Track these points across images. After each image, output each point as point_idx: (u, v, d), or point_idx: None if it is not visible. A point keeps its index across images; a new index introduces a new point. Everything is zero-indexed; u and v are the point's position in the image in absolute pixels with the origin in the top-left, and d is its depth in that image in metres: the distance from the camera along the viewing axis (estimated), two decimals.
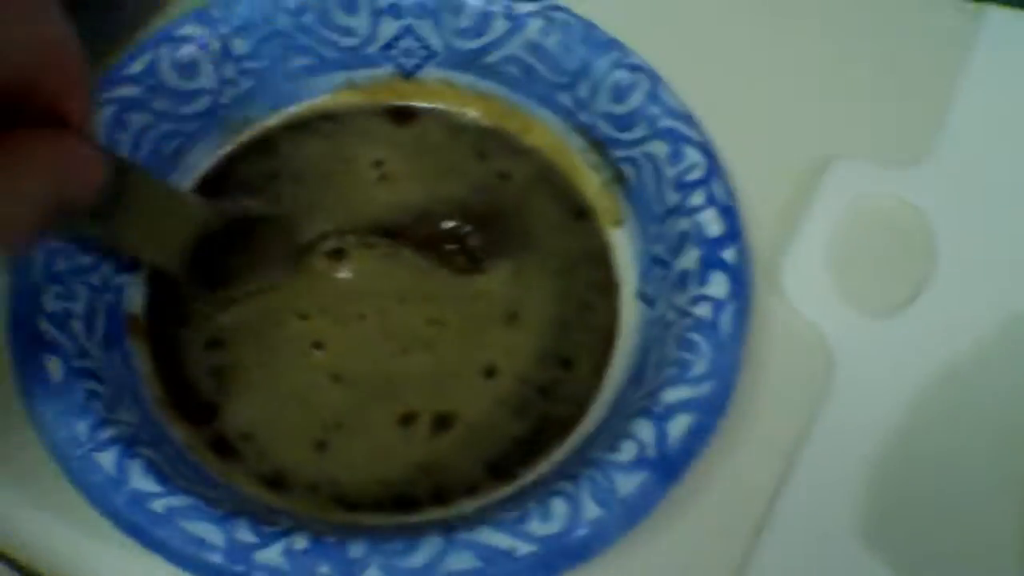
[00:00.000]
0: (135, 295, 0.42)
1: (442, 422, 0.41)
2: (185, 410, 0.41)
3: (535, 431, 0.40)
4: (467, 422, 0.41)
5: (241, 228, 0.42)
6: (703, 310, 0.38)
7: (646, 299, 0.41)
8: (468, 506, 0.39)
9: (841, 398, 0.42)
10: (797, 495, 0.40)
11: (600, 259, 0.43)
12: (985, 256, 0.45)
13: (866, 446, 0.41)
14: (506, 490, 0.39)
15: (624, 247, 0.43)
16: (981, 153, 0.47)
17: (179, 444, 0.40)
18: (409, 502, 0.40)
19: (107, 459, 0.36)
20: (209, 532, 0.35)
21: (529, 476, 0.39)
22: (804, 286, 0.43)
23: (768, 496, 0.40)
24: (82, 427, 0.37)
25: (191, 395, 0.41)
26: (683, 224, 0.40)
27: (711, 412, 0.37)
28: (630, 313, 0.42)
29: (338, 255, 0.44)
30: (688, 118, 0.42)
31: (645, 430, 0.36)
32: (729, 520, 0.40)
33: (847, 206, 0.45)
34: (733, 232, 0.40)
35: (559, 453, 0.40)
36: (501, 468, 0.40)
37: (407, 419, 0.41)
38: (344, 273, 0.43)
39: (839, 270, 0.44)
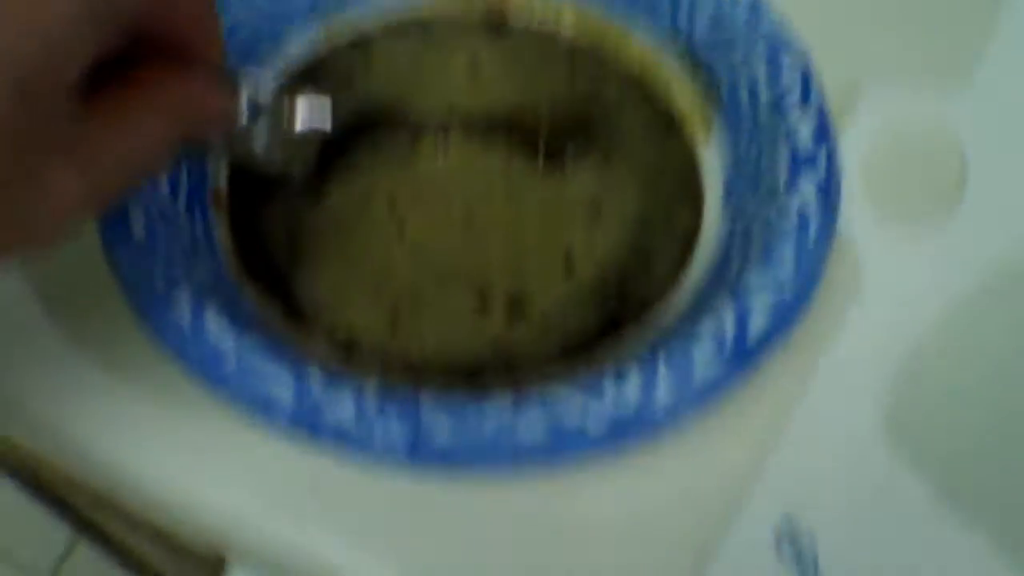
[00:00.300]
0: (220, 168, 0.43)
1: (518, 305, 0.41)
2: (259, 275, 0.41)
3: (611, 321, 0.40)
4: (542, 307, 0.41)
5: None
6: (791, 219, 0.38)
7: (731, 209, 0.41)
8: (537, 387, 0.39)
9: (868, 305, 0.42)
10: (822, 394, 0.40)
11: (687, 168, 0.43)
12: (1018, 184, 0.45)
13: (892, 349, 0.41)
14: (578, 376, 0.39)
15: (712, 159, 0.43)
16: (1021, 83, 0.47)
17: (251, 308, 0.40)
18: (477, 379, 0.39)
19: (182, 297, 0.36)
20: (279, 373, 0.35)
21: (603, 363, 0.39)
22: None
23: (794, 396, 0.40)
24: (159, 269, 0.37)
25: (266, 262, 0.41)
26: (775, 137, 0.40)
27: (789, 314, 0.37)
28: (713, 221, 0.42)
29: (432, 146, 0.44)
30: (787, 37, 0.42)
31: (726, 321, 0.36)
32: (754, 423, 0.40)
33: (881, 129, 0.45)
34: (826, 146, 0.40)
35: (633, 345, 0.39)
36: (574, 354, 0.40)
37: (483, 300, 0.41)
38: (437, 163, 0.43)
39: (871, 187, 0.44)
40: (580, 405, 0.35)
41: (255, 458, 0.39)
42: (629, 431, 0.35)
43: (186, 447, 0.40)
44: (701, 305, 0.39)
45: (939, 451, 0.40)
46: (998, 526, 0.39)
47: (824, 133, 0.40)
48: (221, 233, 0.42)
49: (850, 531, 0.39)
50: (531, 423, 0.35)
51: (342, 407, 0.35)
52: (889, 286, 0.43)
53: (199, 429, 0.39)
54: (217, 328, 0.36)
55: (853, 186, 0.43)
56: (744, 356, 0.36)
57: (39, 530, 1.11)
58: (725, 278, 0.39)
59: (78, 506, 0.82)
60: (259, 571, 0.43)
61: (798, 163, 0.39)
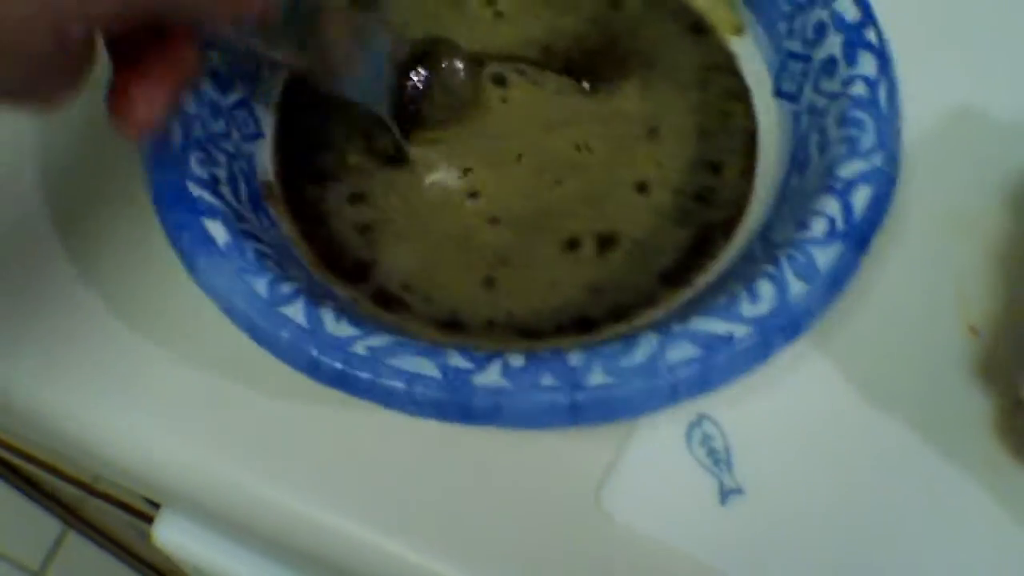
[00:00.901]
0: (265, 162, 0.41)
1: (606, 242, 0.41)
2: (340, 269, 0.40)
3: (699, 237, 0.40)
4: (631, 238, 0.41)
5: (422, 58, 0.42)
6: (859, 88, 0.39)
7: (786, 95, 0.41)
8: (648, 319, 0.39)
9: None
10: None
11: (727, 67, 0.43)
12: None
13: None
14: (684, 297, 0.39)
15: (750, 52, 0.43)
16: None
17: (347, 300, 0.39)
18: (590, 323, 0.39)
19: (295, 311, 0.35)
20: (421, 365, 0.34)
21: (703, 279, 0.39)
22: None
23: None
24: (261, 285, 0.36)
25: (343, 254, 0.40)
26: (819, 15, 0.40)
27: (887, 181, 0.37)
28: (770, 112, 0.42)
29: (496, 82, 0.43)
30: None
31: (831, 205, 0.36)
32: None
33: None
34: (870, 15, 0.40)
35: (728, 253, 0.40)
36: (674, 276, 0.40)
37: (571, 244, 0.40)
38: (490, 113, 0.42)
39: None
40: (724, 327, 0.35)
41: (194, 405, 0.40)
42: (775, 333, 0.35)
43: (125, 398, 0.40)
44: (791, 198, 0.39)
45: (863, 352, 0.41)
46: (917, 411, 0.40)
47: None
48: (287, 227, 0.40)
49: (765, 426, 0.40)
50: (681, 349, 0.35)
51: (489, 379, 0.34)
52: None
53: (136, 379, 0.40)
54: (338, 330, 0.35)
55: None
56: (859, 235, 0.36)
57: (28, 525, 1.08)
58: (808, 163, 0.39)
59: (65, 498, 0.80)
60: (191, 514, 0.43)
61: (850, 30, 0.39)
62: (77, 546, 1.09)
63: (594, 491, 0.39)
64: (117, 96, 0.32)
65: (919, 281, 0.42)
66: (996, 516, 0.38)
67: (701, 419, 0.39)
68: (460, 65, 0.42)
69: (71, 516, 0.90)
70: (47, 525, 1.06)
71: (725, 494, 0.39)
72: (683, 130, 0.42)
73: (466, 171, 0.42)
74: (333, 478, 0.39)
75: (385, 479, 0.39)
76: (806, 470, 0.39)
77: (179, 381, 0.40)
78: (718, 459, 0.39)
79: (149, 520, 0.47)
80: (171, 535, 0.45)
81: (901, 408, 0.40)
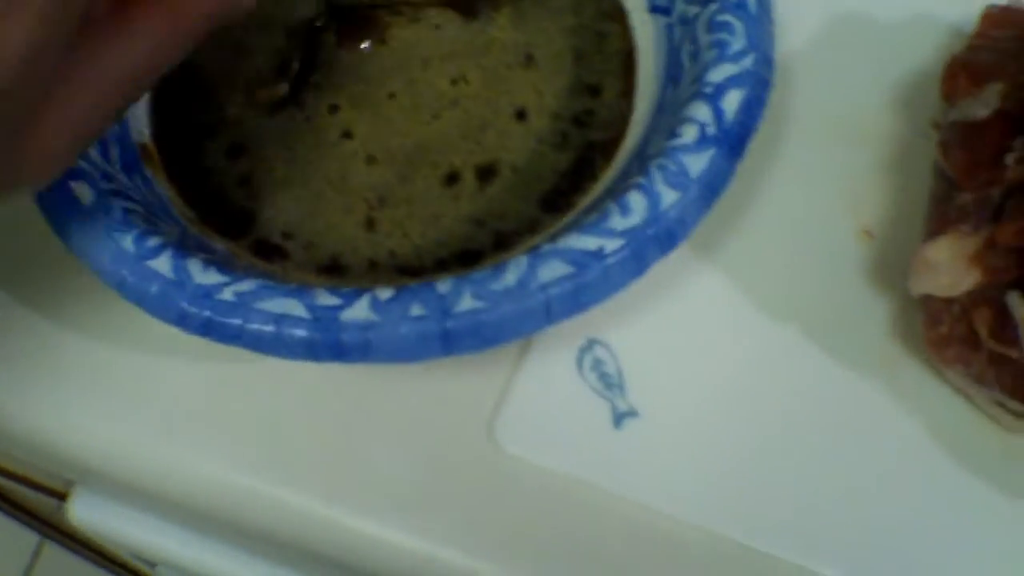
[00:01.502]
0: (140, 125, 0.41)
1: (486, 172, 0.40)
2: (220, 224, 0.39)
3: (580, 160, 0.40)
4: (511, 166, 0.40)
5: None
6: None
7: (660, 9, 0.41)
8: (530, 246, 0.38)
9: None
10: None
11: None
12: None
13: None
14: (566, 220, 0.38)
15: None
16: None
17: (224, 253, 0.38)
18: (473, 255, 0.38)
19: (163, 264, 0.35)
20: (288, 306, 0.34)
21: (585, 201, 0.39)
22: None
23: None
24: (127, 241, 0.35)
25: (223, 208, 0.40)
26: None
27: (759, 84, 0.37)
28: (646, 29, 0.41)
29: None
30: None
31: (702, 110, 0.36)
32: None
33: None
34: None
35: (609, 173, 0.39)
36: (556, 201, 0.39)
37: (451, 178, 0.40)
38: (359, 51, 0.42)
39: None
40: (594, 243, 0.34)
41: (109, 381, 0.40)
42: (648, 244, 0.34)
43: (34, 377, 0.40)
44: (668, 108, 0.38)
45: (755, 262, 0.41)
46: (801, 317, 0.40)
47: None
48: (164, 187, 0.40)
49: (657, 346, 0.39)
50: (551, 268, 0.34)
51: (357, 314, 0.34)
52: None
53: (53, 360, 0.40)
54: (205, 279, 0.34)
55: None
56: (731, 139, 0.35)
57: (4, 539, 1.09)
58: (682, 73, 0.38)
59: (39, 509, 0.80)
60: (103, 492, 0.43)
61: None
62: (55, 556, 1.09)
63: (486, 424, 0.38)
64: None
65: (810, 187, 0.41)
66: (895, 414, 0.38)
67: (592, 343, 0.39)
68: None
69: (47, 527, 0.89)
70: (23, 538, 1.06)
71: (619, 417, 0.38)
72: (559, 55, 0.42)
73: (334, 109, 0.41)
74: (227, 433, 0.39)
75: (277, 429, 0.39)
76: (701, 387, 0.39)
77: (74, 354, 0.40)
78: (610, 383, 0.38)
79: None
80: (85, 512, 0.44)
81: (796, 316, 0.39)
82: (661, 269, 0.36)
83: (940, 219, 0.37)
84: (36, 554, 1.13)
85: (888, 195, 0.41)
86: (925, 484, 0.37)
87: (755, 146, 0.37)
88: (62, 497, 0.44)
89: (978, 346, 0.35)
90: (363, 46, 0.42)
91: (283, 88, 0.41)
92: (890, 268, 0.40)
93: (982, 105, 0.37)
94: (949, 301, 0.36)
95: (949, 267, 0.36)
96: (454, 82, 0.41)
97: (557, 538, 0.37)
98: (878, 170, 0.42)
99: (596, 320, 0.38)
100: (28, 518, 0.88)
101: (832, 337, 0.39)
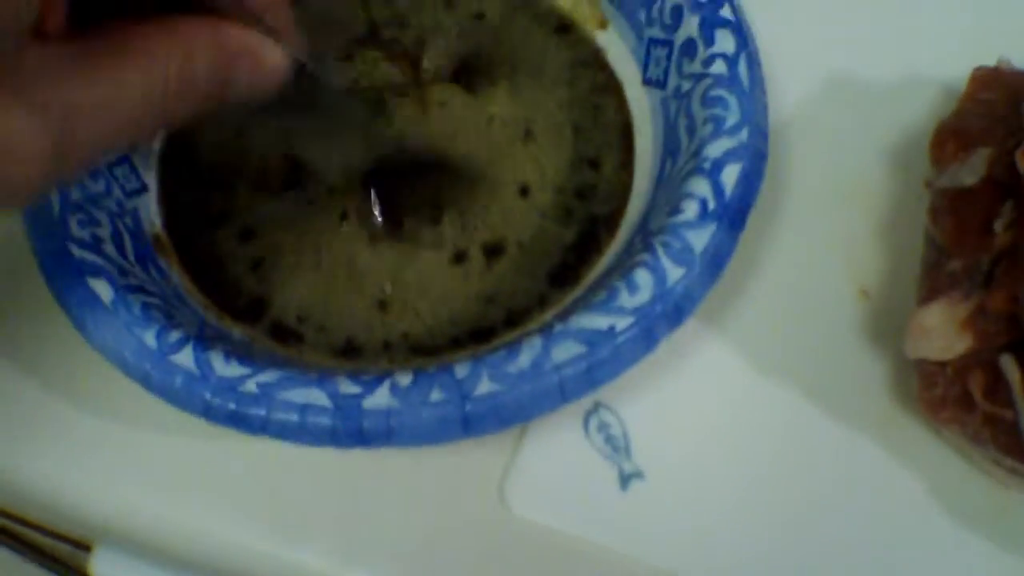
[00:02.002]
0: (151, 216, 0.41)
1: (493, 250, 0.41)
2: (235, 311, 0.40)
3: (585, 234, 0.41)
4: (517, 243, 0.41)
5: None
6: (718, 67, 0.39)
7: (654, 82, 0.42)
8: (540, 321, 0.39)
9: None
10: None
11: (595, 62, 0.44)
12: None
13: None
14: (574, 295, 0.39)
15: (616, 45, 0.44)
16: None
17: (242, 340, 0.39)
18: (485, 333, 0.39)
19: (185, 358, 0.36)
20: (311, 395, 0.35)
21: (592, 275, 0.40)
22: None
23: None
24: (149, 336, 0.36)
25: (237, 295, 0.41)
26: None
27: (756, 157, 0.38)
28: (641, 102, 0.42)
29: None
30: None
31: (701, 186, 0.37)
32: None
33: None
34: None
35: (613, 248, 0.40)
36: (563, 276, 0.40)
37: (459, 257, 0.41)
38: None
39: None
40: (605, 322, 0.35)
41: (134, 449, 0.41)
42: (657, 321, 0.35)
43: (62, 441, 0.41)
44: (668, 184, 0.39)
45: (756, 327, 0.42)
46: (801, 379, 0.41)
47: None
48: (178, 276, 0.41)
49: (662, 410, 0.40)
50: (565, 348, 0.35)
51: (378, 401, 0.35)
52: None
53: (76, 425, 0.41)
54: (228, 371, 0.35)
55: None
56: (732, 213, 0.37)
57: None
58: (679, 147, 0.39)
59: (63, 556, 0.80)
60: (126, 550, 0.43)
61: (704, 9, 0.40)
62: None
63: (497, 487, 0.39)
64: None
65: (807, 250, 0.42)
66: (894, 472, 0.39)
67: (597, 407, 0.40)
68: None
69: (65, 569, 0.89)
70: None
71: (625, 479, 0.39)
72: (558, 129, 0.43)
73: (332, 192, 0.42)
74: (239, 498, 0.40)
75: (290, 493, 0.40)
76: (705, 449, 0.39)
77: (84, 425, 0.41)
78: (616, 445, 0.39)
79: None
80: (107, 570, 0.45)
81: (796, 378, 0.40)
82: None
83: (932, 284, 0.38)
84: None
85: (884, 255, 0.42)
86: (924, 540, 0.38)
87: (754, 213, 0.38)
88: (86, 548, 0.44)
89: (972, 407, 0.36)
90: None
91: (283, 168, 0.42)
92: (887, 328, 0.41)
93: (969, 172, 0.38)
94: (943, 364, 0.37)
95: (942, 332, 0.36)
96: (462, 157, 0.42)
97: None
98: (875, 231, 0.43)
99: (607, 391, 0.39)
100: (53, 564, 0.88)
101: (832, 398, 0.40)
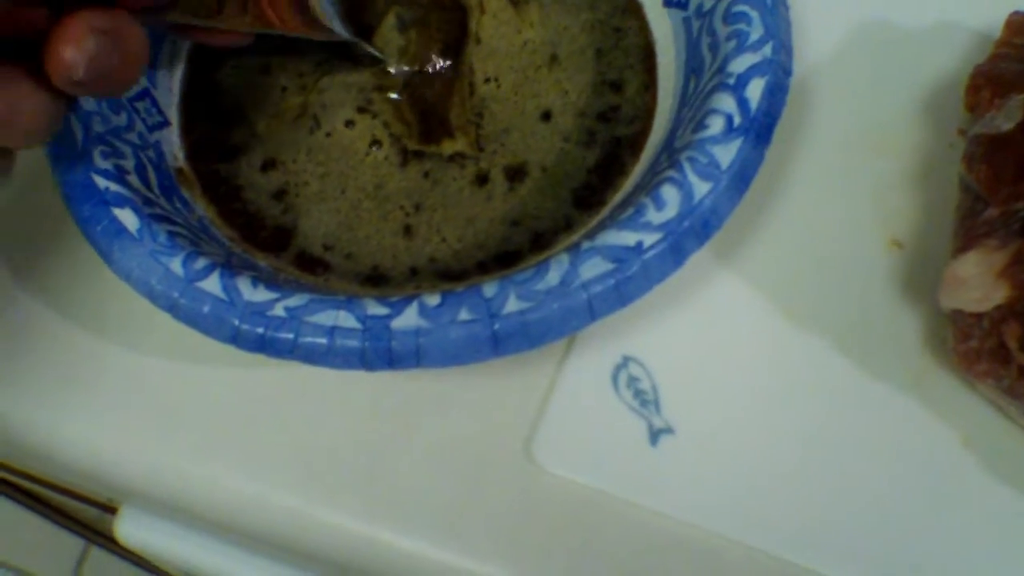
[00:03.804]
0: (173, 150, 0.41)
1: (516, 173, 0.41)
2: (261, 241, 0.40)
3: (608, 156, 0.41)
4: (540, 166, 0.41)
5: None
6: None
7: (675, 3, 0.41)
8: (567, 244, 0.39)
9: None
10: None
11: None
12: None
13: None
14: (600, 216, 0.39)
15: None
16: None
17: (268, 269, 0.39)
18: (512, 256, 0.39)
19: (212, 284, 0.36)
20: (339, 317, 0.35)
21: (616, 197, 0.39)
22: None
23: None
24: (176, 264, 0.36)
25: (262, 224, 0.41)
26: None
27: (780, 71, 0.37)
28: (663, 23, 0.42)
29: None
30: None
31: (726, 101, 0.36)
32: None
33: None
34: None
35: (638, 168, 0.40)
36: (588, 198, 0.40)
37: (481, 180, 0.41)
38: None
39: None
40: (632, 238, 0.35)
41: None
42: (685, 236, 0.35)
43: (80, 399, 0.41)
44: (692, 101, 0.39)
45: (785, 276, 0.41)
46: (832, 329, 0.40)
47: None
48: (203, 208, 0.41)
49: (691, 363, 0.40)
50: (592, 266, 0.35)
51: (407, 321, 0.35)
52: None
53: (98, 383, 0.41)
54: (256, 296, 0.35)
55: None
56: (758, 127, 0.36)
57: (50, 543, 1.10)
58: (703, 66, 0.39)
59: (84, 517, 0.81)
60: (149, 511, 0.44)
61: None
62: (101, 559, 1.10)
63: (524, 443, 0.39)
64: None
65: (839, 197, 0.42)
66: (927, 425, 0.39)
67: (627, 361, 0.40)
68: None
69: (92, 533, 0.90)
70: (69, 543, 1.07)
71: (655, 434, 0.39)
72: (581, 52, 0.43)
73: (366, 115, 0.42)
74: (265, 453, 0.40)
75: (316, 450, 0.40)
76: (734, 402, 0.39)
77: (124, 373, 0.41)
78: (646, 400, 0.39)
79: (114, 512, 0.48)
80: (132, 530, 0.45)
81: (826, 327, 0.40)
82: (694, 284, 0.37)
83: (967, 233, 0.37)
84: (81, 560, 1.14)
85: (917, 205, 0.42)
86: (959, 495, 0.38)
87: (783, 156, 0.38)
88: (112, 511, 0.45)
89: (1009, 360, 0.36)
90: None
91: (300, 100, 0.42)
92: (920, 279, 0.40)
93: (1005, 118, 0.38)
94: (979, 315, 0.36)
95: (978, 282, 0.36)
96: (486, 82, 0.42)
97: (595, 555, 0.38)
98: (906, 180, 0.42)
99: (631, 337, 0.39)
100: (76, 526, 0.89)
101: (863, 348, 0.40)
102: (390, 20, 0.43)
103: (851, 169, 0.43)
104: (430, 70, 0.43)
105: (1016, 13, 0.41)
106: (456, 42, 0.43)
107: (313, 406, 0.40)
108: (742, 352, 0.40)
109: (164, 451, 0.40)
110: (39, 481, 0.68)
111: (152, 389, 0.41)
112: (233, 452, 0.40)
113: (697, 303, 0.40)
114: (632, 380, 0.40)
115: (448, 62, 0.43)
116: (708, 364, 0.40)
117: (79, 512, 0.86)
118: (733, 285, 0.41)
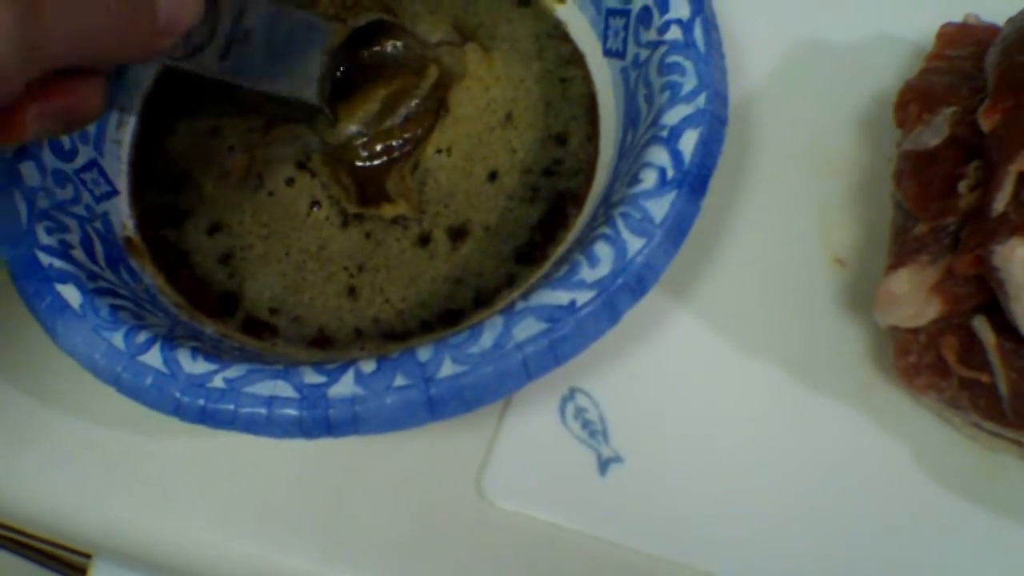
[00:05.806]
0: (122, 218, 0.42)
1: (458, 233, 0.41)
2: (209, 307, 0.40)
3: (552, 210, 0.41)
4: (483, 225, 0.41)
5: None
6: (674, 33, 0.38)
7: (614, 53, 0.41)
8: (510, 300, 0.39)
9: None
10: None
11: (558, 35, 0.43)
12: None
13: None
14: (543, 272, 0.39)
15: (576, 17, 0.43)
16: None
17: (214, 337, 0.39)
18: (455, 315, 0.39)
19: (153, 357, 0.36)
20: (277, 387, 0.35)
21: (560, 250, 0.39)
22: None
23: None
24: (118, 338, 0.36)
25: (209, 290, 0.41)
26: None
27: (715, 121, 0.37)
28: (603, 73, 0.42)
29: None
30: None
31: (660, 155, 0.36)
32: None
33: None
34: None
35: (582, 220, 0.40)
36: (530, 254, 0.40)
37: (423, 240, 0.41)
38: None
39: None
40: (566, 297, 0.34)
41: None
42: (619, 293, 0.35)
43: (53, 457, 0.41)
44: (628, 154, 0.39)
45: (730, 300, 0.41)
46: (778, 351, 0.40)
47: None
48: (151, 276, 0.41)
49: (638, 391, 0.40)
50: (526, 326, 0.34)
51: (343, 389, 0.35)
52: None
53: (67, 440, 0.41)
54: (195, 368, 0.35)
55: None
56: (692, 180, 0.36)
57: None
58: (639, 117, 0.39)
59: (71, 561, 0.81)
60: (123, 565, 0.44)
61: None
62: None
63: (474, 479, 0.39)
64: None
65: (780, 219, 0.42)
66: (876, 440, 0.39)
67: (573, 392, 0.40)
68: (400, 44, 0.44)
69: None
70: None
71: (604, 464, 0.39)
72: (534, 107, 0.43)
73: (304, 173, 0.42)
74: (221, 502, 0.40)
75: (270, 495, 0.40)
76: (684, 430, 0.39)
77: (68, 436, 0.42)
78: (594, 430, 0.39)
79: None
80: None
81: (773, 350, 0.40)
82: (638, 315, 0.37)
83: (900, 250, 0.37)
84: None
85: (858, 222, 0.42)
86: (910, 507, 0.37)
87: (723, 182, 0.37)
88: (87, 556, 0.45)
89: (948, 373, 0.36)
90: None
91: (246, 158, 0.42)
92: (863, 296, 0.40)
93: (933, 133, 0.38)
94: (916, 331, 0.36)
95: (911, 298, 0.36)
96: (438, 152, 0.42)
97: None
98: (847, 198, 0.42)
99: (577, 369, 0.39)
100: (59, 565, 0.90)
101: (811, 369, 0.40)
102: (373, 106, 0.43)
103: (794, 190, 0.43)
104: (385, 157, 0.43)
105: (948, 24, 0.41)
106: (430, 127, 0.43)
107: (265, 451, 0.40)
108: (688, 378, 0.40)
109: (121, 507, 0.41)
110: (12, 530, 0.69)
111: (104, 446, 0.41)
112: (186, 505, 0.40)
113: (642, 334, 0.40)
114: (579, 411, 0.40)
115: (408, 147, 0.43)
116: (654, 391, 0.40)
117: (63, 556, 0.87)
118: (678, 314, 0.41)
